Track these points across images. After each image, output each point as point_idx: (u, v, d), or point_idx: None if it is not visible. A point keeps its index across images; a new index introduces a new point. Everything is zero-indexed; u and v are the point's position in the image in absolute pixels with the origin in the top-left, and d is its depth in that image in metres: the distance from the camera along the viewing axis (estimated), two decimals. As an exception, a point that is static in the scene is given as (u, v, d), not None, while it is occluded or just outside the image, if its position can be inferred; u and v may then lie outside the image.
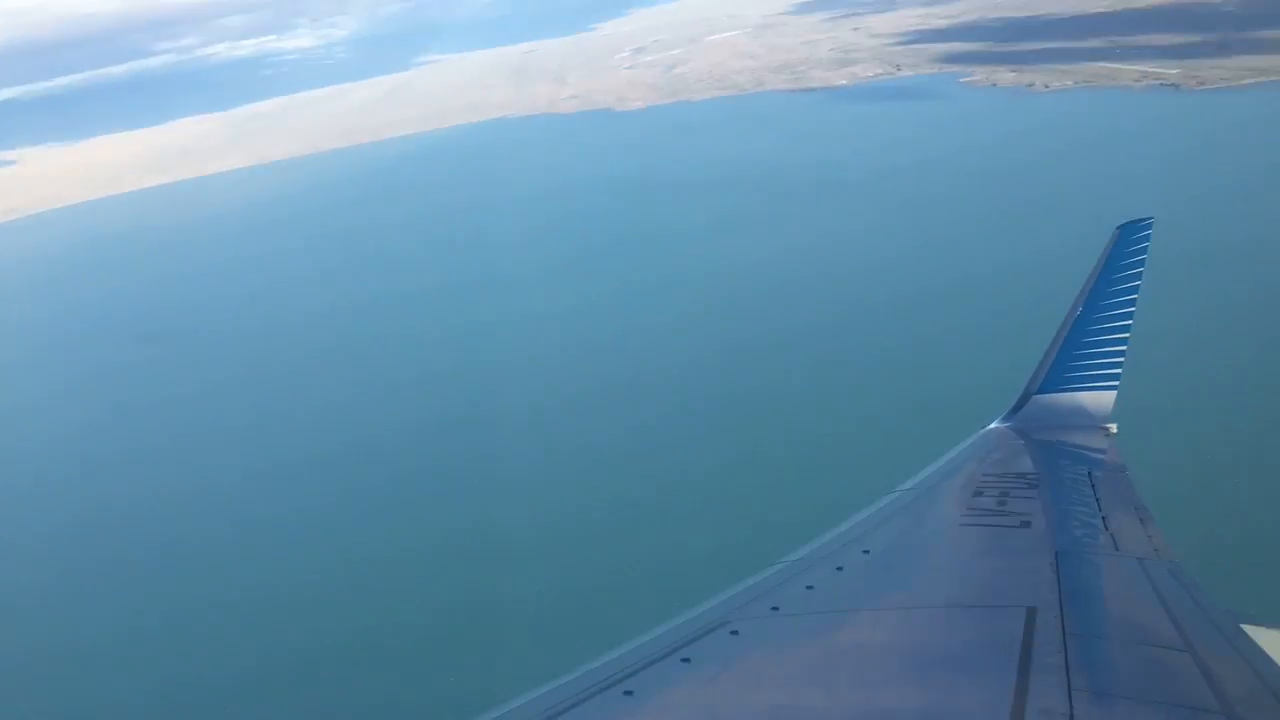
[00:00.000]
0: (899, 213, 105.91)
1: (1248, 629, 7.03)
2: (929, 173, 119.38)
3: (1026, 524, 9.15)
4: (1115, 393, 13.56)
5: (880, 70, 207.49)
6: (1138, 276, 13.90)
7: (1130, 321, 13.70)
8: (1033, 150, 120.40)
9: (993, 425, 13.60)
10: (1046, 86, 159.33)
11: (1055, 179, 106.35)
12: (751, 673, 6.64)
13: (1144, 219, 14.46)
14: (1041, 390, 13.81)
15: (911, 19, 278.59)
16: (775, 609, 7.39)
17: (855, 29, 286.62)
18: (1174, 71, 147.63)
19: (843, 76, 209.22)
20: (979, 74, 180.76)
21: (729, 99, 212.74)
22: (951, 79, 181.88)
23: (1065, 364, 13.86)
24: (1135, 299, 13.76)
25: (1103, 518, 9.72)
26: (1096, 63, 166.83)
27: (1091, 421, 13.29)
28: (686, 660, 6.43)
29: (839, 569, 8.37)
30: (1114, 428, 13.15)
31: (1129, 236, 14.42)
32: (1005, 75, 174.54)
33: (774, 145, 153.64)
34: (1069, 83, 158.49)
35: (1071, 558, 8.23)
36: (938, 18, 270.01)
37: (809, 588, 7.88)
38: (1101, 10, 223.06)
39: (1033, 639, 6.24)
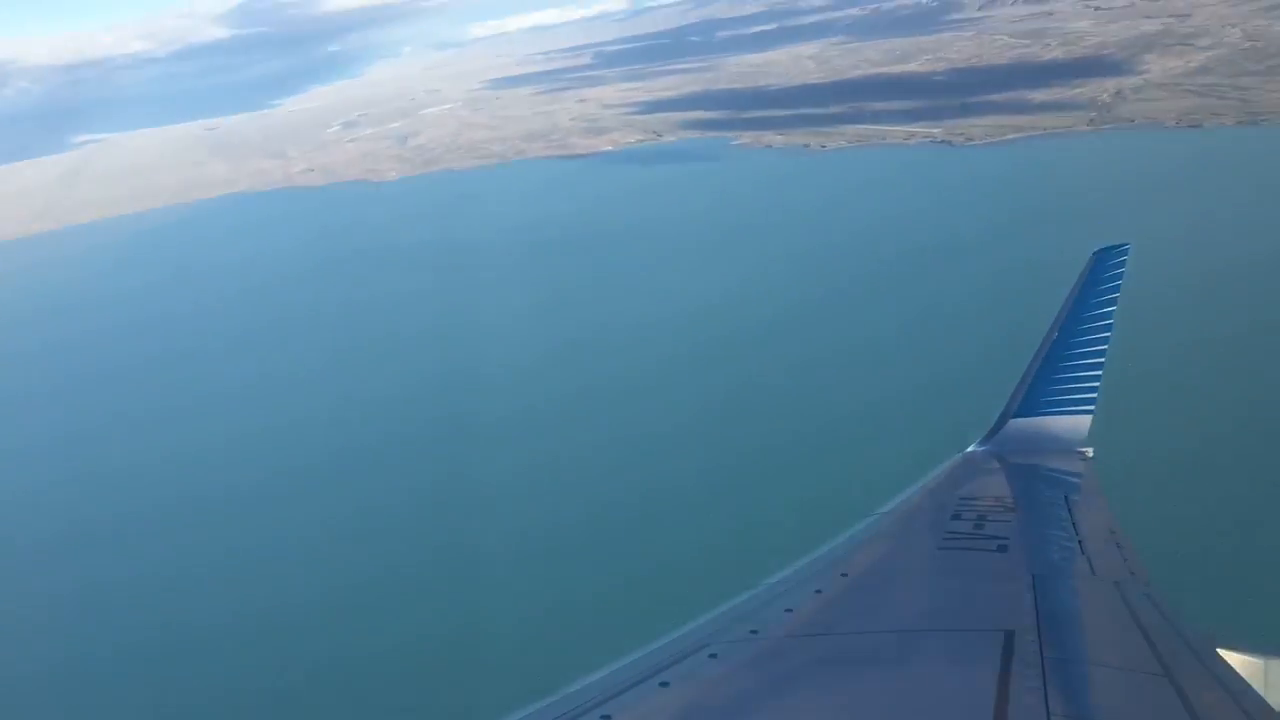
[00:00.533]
0: (771, 267, 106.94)
1: (1223, 653, 7.06)
2: (777, 229, 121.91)
3: (1004, 547, 9.24)
4: (1091, 417, 13.66)
5: (641, 136, 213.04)
6: (1113, 302, 14.14)
7: (1106, 346, 13.86)
8: (859, 202, 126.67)
9: (970, 449, 13.54)
10: (823, 146, 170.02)
11: (901, 226, 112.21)
12: (730, 696, 6.59)
13: (1120, 245, 14.75)
14: (1018, 414, 13.86)
15: (636, 92, 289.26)
16: (754, 632, 7.36)
17: (581, 101, 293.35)
18: (937, 130, 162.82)
19: (605, 143, 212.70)
20: (745, 138, 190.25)
21: (493, 167, 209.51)
22: (721, 143, 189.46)
23: (1042, 388, 13.97)
24: (1111, 324, 13.97)
25: (1079, 541, 9.69)
26: (855, 125, 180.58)
27: (1068, 445, 13.35)
28: (665, 684, 6.42)
29: (818, 592, 8.37)
30: (1090, 451, 13.20)
31: (1105, 262, 14.65)
32: (773, 138, 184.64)
33: (588, 206, 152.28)
34: (842, 143, 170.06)
35: (1048, 581, 8.30)
36: (661, 90, 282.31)
37: (788, 611, 7.88)
38: (813, 82, 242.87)
39: (1010, 662, 6.26)
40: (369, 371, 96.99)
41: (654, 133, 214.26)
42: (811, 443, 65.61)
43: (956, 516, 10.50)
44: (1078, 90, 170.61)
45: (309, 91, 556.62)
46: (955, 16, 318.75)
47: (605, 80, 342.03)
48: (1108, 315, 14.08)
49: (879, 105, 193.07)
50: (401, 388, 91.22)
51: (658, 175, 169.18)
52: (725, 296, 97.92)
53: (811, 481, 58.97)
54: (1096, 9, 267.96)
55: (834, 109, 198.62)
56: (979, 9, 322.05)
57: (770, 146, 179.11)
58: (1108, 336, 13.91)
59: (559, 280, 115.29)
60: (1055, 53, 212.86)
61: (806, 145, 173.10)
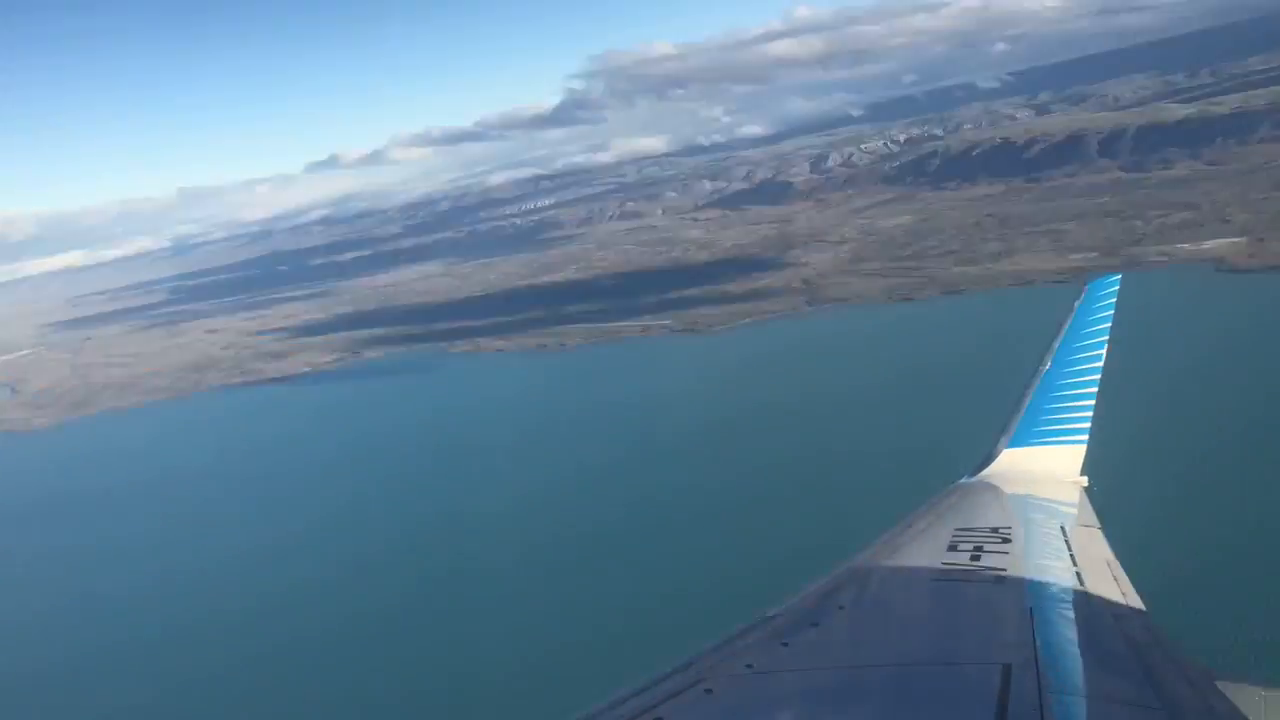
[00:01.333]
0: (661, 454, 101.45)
1: (1222, 685, 7.04)
2: (616, 422, 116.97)
3: (1000, 579, 9.13)
4: (1085, 446, 13.70)
5: (335, 355, 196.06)
6: (1105, 332, 14.25)
7: (1098, 376, 13.91)
8: (653, 391, 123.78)
9: (964, 480, 13.52)
10: (563, 345, 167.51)
11: (714, 411, 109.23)
12: None
13: (1111, 275, 15.28)
14: (1013, 444, 13.86)
15: (270, 319, 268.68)
16: (750, 666, 7.18)
17: (211, 331, 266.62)
18: (667, 322, 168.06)
19: (299, 364, 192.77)
20: (462, 345, 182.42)
21: (174, 402, 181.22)
22: (436, 353, 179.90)
23: (1035, 418, 13.99)
24: (1103, 354, 14.04)
25: (1076, 572, 9.63)
26: (575, 325, 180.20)
27: (1063, 475, 13.41)
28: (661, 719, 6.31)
29: (814, 625, 8.30)
30: (1086, 480, 13.31)
31: (1096, 293, 14.81)
32: (494, 344, 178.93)
33: (351, 425, 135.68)
34: (579, 340, 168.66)
35: (1045, 613, 8.22)
36: (301, 315, 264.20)
37: (784, 644, 7.75)
38: (476, 294, 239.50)
39: (1008, 696, 6.15)
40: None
41: (348, 351, 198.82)
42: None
43: (952, 548, 10.30)
44: (764, 281, 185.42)
45: None
46: (558, 234, 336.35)
47: (213, 312, 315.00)
48: (1099, 345, 14.10)
49: (577, 308, 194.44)
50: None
51: (406, 387, 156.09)
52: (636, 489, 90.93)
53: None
54: (695, 220, 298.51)
55: (532, 314, 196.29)
56: (578, 226, 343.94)
57: (501, 350, 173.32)
58: (1100, 366, 13.94)
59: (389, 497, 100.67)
60: (702, 255, 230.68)
61: (543, 345, 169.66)
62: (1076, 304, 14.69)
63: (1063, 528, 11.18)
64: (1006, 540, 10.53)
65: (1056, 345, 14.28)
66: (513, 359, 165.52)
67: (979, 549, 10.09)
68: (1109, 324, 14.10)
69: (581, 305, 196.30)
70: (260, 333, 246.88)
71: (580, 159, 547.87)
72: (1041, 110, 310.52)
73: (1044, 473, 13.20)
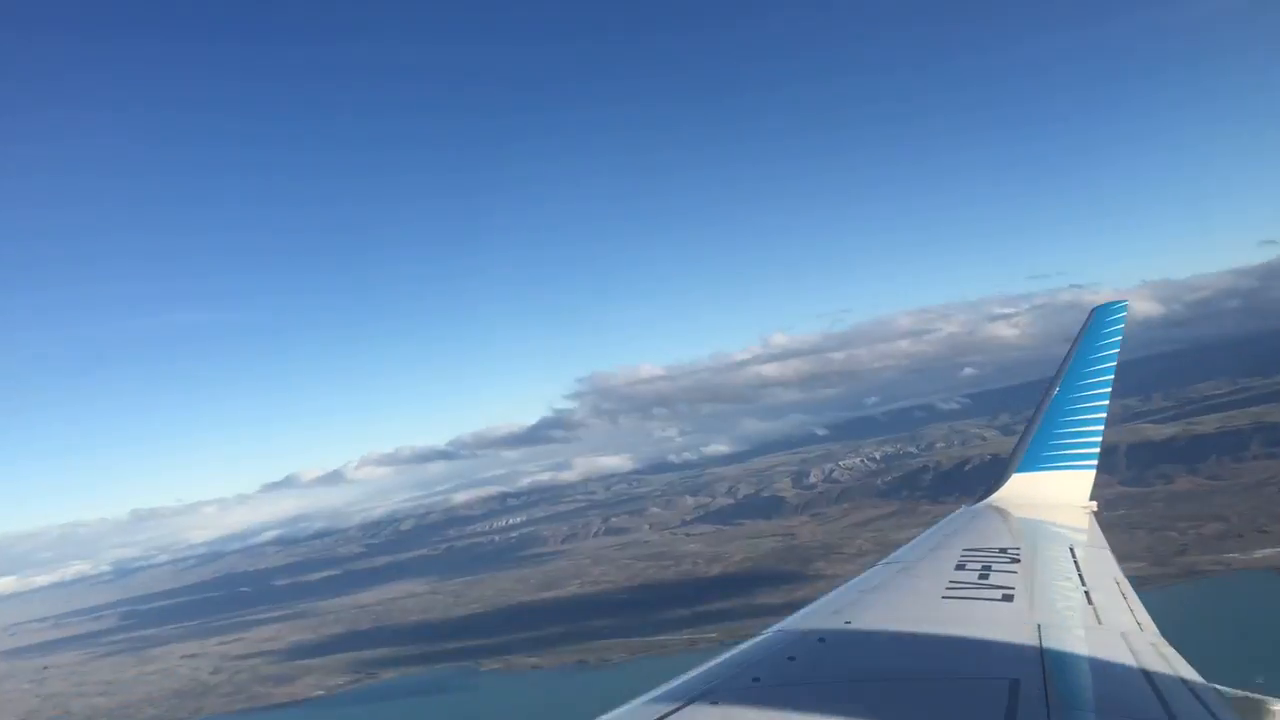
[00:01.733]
0: None
1: (1234, 693, 6.98)
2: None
3: (1009, 597, 9.12)
4: (1094, 471, 13.74)
5: (346, 678, 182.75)
6: (1113, 358, 14.14)
7: (1106, 401, 13.82)
8: None
9: (973, 504, 13.68)
10: (605, 661, 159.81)
11: None
12: None
13: (1118, 301, 14.95)
14: (1021, 469, 13.98)
15: (249, 642, 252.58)
16: (757, 680, 7.21)
17: (188, 656, 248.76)
18: (712, 635, 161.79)
19: (307, 688, 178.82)
20: (492, 663, 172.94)
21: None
22: (465, 671, 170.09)
23: (1044, 443, 14.06)
24: (1111, 379, 13.91)
25: (1085, 591, 9.57)
26: (612, 639, 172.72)
27: (1071, 500, 13.40)
28: None
29: (821, 640, 8.29)
30: (1094, 505, 13.31)
31: (1103, 318, 14.61)
32: (526, 660, 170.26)
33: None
34: (623, 655, 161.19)
35: (1054, 631, 8.16)
36: (287, 635, 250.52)
37: (791, 659, 7.78)
38: (479, 611, 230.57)
39: (1016, 711, 6.07)
40: None
41: (360, 672, 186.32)
42: None
43: (960, 567, 10.40)
44: (798, 593, 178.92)
45: None
46: (542, 550, 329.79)
47: (180, 637, 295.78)
48: (1108, 371, 13.94)
49: (601, 622, 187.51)
50: None
51: (459, 711, 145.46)
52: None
53: None
54: (688, 535, 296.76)
55: (553, 630, 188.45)
56: (562, 542, 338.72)
57: (538, 668, 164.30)
58: (1108, 392, 13.73)
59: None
60: (714, 568, 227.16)
61: (583, 661, 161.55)
62: (1083, 329, 14.38)
63: (1071, 549, 11.10)
64: (1015, 560, 10.57)
65: (1064, 371, 14.05)
66: (556, 677, 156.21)
67: (987, 568, 10.13)
68: (1116, 349, 13.89)
69: (604, 620, 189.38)
70: (246, 656, 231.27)
71: (545, 477, 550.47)
72: (1007, 430, 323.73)
73: (1052, 498, 13.22)
